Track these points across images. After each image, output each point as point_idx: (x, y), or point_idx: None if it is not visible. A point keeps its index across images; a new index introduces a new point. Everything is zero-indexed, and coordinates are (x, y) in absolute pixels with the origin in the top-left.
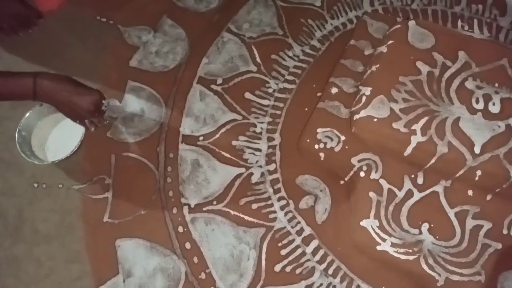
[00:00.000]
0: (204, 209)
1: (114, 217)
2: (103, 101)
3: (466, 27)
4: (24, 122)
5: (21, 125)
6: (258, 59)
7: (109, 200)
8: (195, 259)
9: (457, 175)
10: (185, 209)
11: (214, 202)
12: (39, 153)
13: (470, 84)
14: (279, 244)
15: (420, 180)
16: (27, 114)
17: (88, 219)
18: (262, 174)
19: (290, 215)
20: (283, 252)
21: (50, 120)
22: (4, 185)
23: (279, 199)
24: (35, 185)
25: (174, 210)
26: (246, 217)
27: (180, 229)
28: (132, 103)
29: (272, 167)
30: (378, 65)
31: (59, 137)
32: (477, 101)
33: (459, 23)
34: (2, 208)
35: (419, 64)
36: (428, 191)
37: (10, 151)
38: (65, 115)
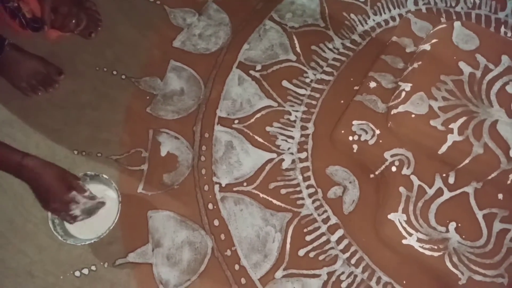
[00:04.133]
0: (234, 189)
1: (148, 189)
2: (73, 206)
3: (509, 34)
4: None
5: None
6: (298, 49)
7: (144, 173)
8: (222, 236)
9: (490, 177)
10: (216, 188)
11: (245, 184)
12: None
13: (511, 89)
14: (305, 230)
15: (451, 180)
16: None
17: (123, 188)
18: (293, 161)
19: (317, 203)
20: (308, 238)
21: None
22: (44, 151)
23: (308, 186)
24: (75, 152)
25: (206, 188)
26: (274, 201)
27: (210, 206)
28: (173, 82)
29: (303, 155)
30: (420, 62)
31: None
32: None
33: (502, 29)
34: None
35: (461, 64)
36: (458, 191)
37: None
38: (39, 198)
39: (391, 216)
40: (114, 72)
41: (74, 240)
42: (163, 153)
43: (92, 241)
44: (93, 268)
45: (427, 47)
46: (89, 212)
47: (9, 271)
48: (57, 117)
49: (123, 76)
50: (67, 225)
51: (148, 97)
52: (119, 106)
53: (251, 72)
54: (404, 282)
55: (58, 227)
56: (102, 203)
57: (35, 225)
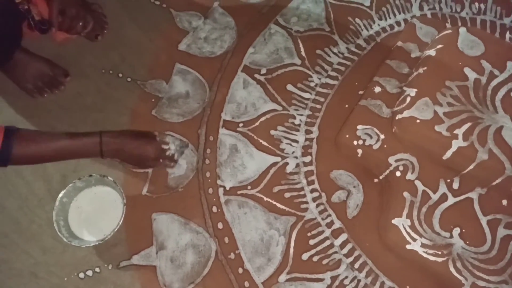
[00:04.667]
0: (239, 192)
1: (152, 191)
2: (166, 146)
3: None
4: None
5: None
6: (303, 53)
7: (149, 175)
8: (226, 239)
9: (494, 183)
10: (220, 191)
11: (249, 187)
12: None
13: None
14: (308, 234)
15: (455, 185)
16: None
17: (128, 190)
18: (297, 165)
19: (321, 207)
20: (312, 242)
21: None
22: None
23: (312, 190)
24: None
25: (210, 191)
26: (278, 205)
27: (214, 209)
28: (178, 85)
29: (307, 159)
30: (425, 68)
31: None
32: None
33: (508, 35)
34: (48, 173)
35: (467, 70)
36: (462, 197)
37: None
38: (134, 166)
39: (395, 221)
40: (120, 75)
41: (79, 242)
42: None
43: (97, 243)
44: (97, 270)
45: (432, 52)
46: (181, 151)
47: (13, 271)
48: (63, 119)
49: (129, 79)
50: (72, 227)
51: (153, 100)
52: (124, 108)
53: (256, 75)
54: (408, 287)
55: (63, 228)
56: (186, 143)
57: (39, 226)
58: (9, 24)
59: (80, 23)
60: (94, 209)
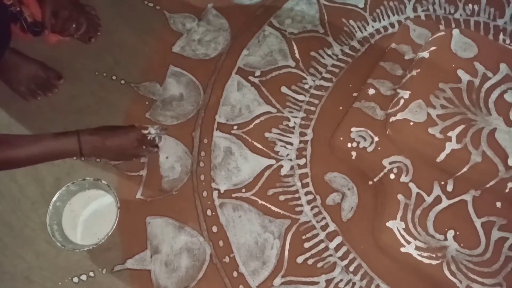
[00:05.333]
0: (233, 195)
1: (147, 194)
2: (146, 131)
3: (508, 41)
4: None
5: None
6: (297, 55)
7: (143, 178)
8: (221, 243)
9: (488, 185)
10: (215, 194)
11: (243, 190)
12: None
13: (509, 97)
14: (303, 237)
15: (449, 188)
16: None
17: (122, 194)
18: (292, 168)
19: (316, 210)
20: (306, 245)
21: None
22: None
23: (307, 193)
24: (74, 157)
25: (204, 194)
26: (273, 208)
27: (209, 212)
28: (172, 87)
29: (302, 161)
30: (418, 70)
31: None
32: None
33: (501, 36)
34: (41, 176)
35: (460, 72)
36: (456, 199)
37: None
38: (116, 160)
39: (389, 224)
40: (114, 77)
41: (73, 246)
42: (162, 158)
43: (91, 247)
44: (91, 274)
45: (425, 54)
46: (160, 134)
47: (6, 275)
48: (56, 122)
49: (123, 81)
50: (66, 231)
51: (147, 102)
52: (118, 111)
53: (250, 78)
54: None
55: (56, 232)
56: (164, 126)
57: (33, 230)
58: None
59: (73, 25)
60: (88, 213)
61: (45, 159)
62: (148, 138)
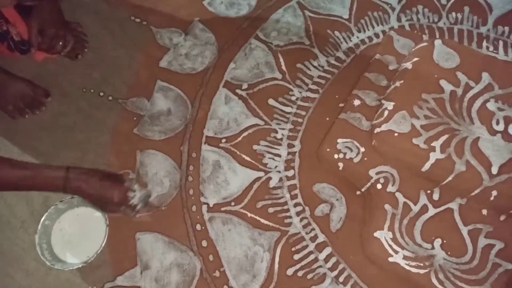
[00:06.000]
0: (222, 209)
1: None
2: (131, 195)
3: (491, 48)
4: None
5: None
6: (283, 67)
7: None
8: (211, 257)
9: (473, 193)
10: (204, 208)
11: (232, 203)
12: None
13: (491, 106)
14: (293, 249)
15: (436, 196)
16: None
17: None
18: (280, 179)
19: (305, 221)
20: (296, 256)
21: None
22: None
23: (296, 205)
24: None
25: (194, 208)
26: (262, 220)
27: (198, 227)
28: (160, 102)
29: (290, 173)
30: (402, 81)
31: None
32: (498, 123)
33: (484, 43)
34: (30, 195)
35: (442, 82)
36: (443, 208)
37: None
38: (95, 205)
39: (377, 234)
40: (101, 93)
41: (62, 265)
42: (150, 174)
43: (80, 265)
44: None
45: (408, 65)
46: (145, 200)
47: None
48: (44, 140)
49: (110, 97)
50: (55, 249)
51: (135, 118)
52: (106, 127)
53: (238, 91)
54: None
55: (45, 251)
56: (150, 192)
57: (22, 249)
58: None
59: (60, 43)
60: (77, 231)
61: (26, 187)
62: (130, 203)
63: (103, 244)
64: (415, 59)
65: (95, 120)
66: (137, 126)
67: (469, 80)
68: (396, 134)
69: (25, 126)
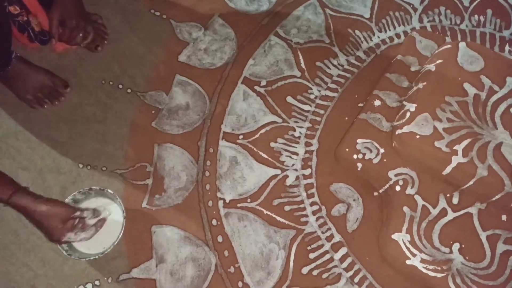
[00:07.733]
0: (238, 205)
1: (152, 204)
2: (77, 213)
3: None
4: None
5: None
6: (302, 65)
7: (149, 187)
8: (226, 253)
9: (493, 199)
10: (220, 203)
11: (249, 200)
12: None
13: None
14: (308, 248)
15: (455, 200)
16: None
17: (127, 203)
18: (297, 178)
19: (321, 220)
20: (312, 255)
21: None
22: (49, 164)
23: (312, 204)
24: (80, 165)
25: (210, 203)
26: (278, 218)
27: (214, 222)
28: (178, 96)
29: (307, 171)
30: (425, 83)
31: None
32: None
33: (507, 47)
34: (48, 185)
35: (466, 86)
36: (462, 212)
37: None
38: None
39: (394, 236)
40: (120, 86)
41: (79, 255)
42: (167, 168)
43: (96, 256)
44: (96, 283)
45: (432, 67)
46: (96, 227)
47: (12, 284)
48: (63, 130)
49: (129, 90)
50: None
51: (153, 111)
52: (124, 120)
53: (256, 87)
54: None
55: None
56: (103, 220)
57: (39, 238)
58: None
59: (80, 34)
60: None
61: None
62: (75, 223)
63: (120, 236)
64: (439, 61)
65: (113, 112)
66: (155, 120)
67: (493, 84)
68: (417, 136)
69: (44, 116)
